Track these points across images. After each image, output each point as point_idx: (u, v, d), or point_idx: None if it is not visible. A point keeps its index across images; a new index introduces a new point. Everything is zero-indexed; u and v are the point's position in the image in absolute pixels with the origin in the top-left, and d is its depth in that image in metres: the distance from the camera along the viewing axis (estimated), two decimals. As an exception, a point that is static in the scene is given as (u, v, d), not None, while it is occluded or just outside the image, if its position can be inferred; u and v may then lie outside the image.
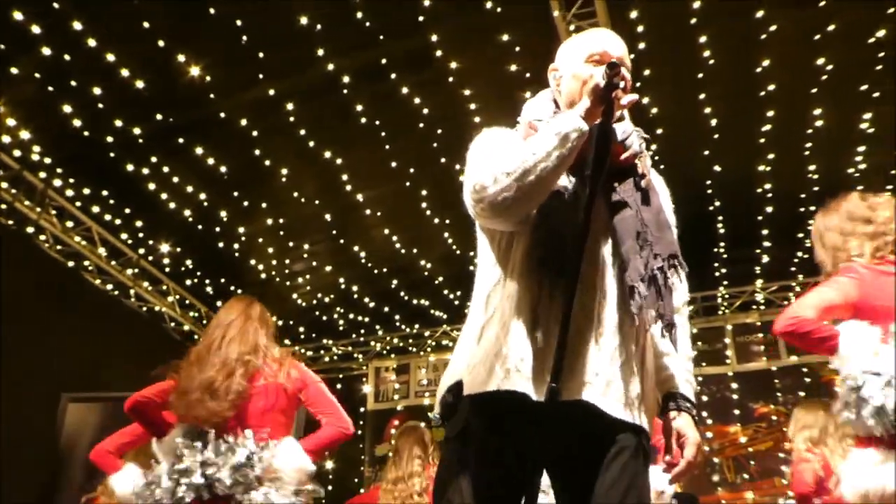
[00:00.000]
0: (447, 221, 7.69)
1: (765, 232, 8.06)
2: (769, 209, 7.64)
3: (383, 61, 5.92)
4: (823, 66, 5.86)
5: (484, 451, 1.71)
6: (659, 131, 6.66)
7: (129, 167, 6.75)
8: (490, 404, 1.70)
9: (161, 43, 5.61)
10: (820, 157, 6.90)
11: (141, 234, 7.81)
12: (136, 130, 6.36)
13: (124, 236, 7.84)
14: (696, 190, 7.36)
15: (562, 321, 1.55)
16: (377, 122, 6.46)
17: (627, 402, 1.68)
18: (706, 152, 6.87)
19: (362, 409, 10.24)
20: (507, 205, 1.72)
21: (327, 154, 6.78)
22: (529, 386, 1.66)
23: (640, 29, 5.68)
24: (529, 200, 1.73)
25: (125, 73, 5.80)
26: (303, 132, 6.52)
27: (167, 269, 8.42)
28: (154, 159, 6.71)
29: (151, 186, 7.01)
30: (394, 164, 6.87)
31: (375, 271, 8.67)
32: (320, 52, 5.80)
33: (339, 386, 10.59)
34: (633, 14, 5.58)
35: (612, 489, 1.62)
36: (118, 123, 6.27)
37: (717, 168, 7.09)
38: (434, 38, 5.76)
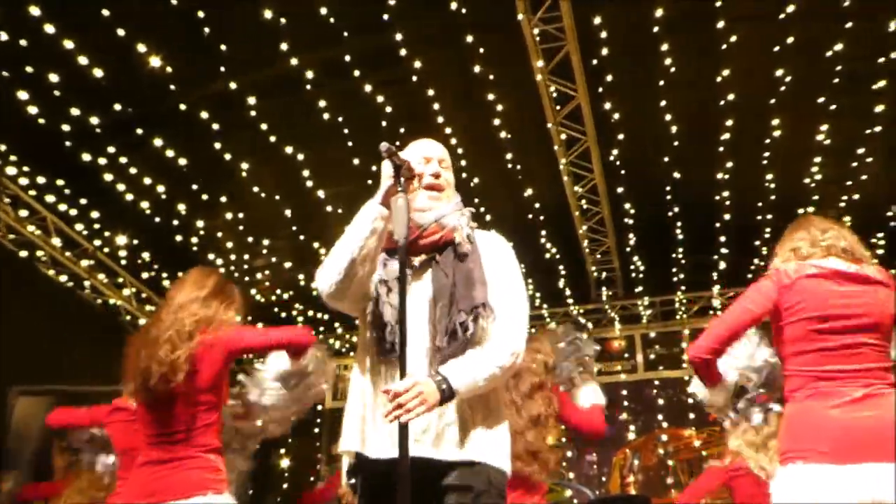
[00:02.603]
0: (409, 220, 7.66)
1: (722, 239, 8.17)
2: (727, 216, 7.74)
3: (347, 58, 5.89)
4: (782, 78, 5.95)
5: None
6: (620, 137, 6.72)
7: (86, 157, 6.63)
8: (357, 470, 2.06)
9: (121, 31, 5.52)
10: (777, 168, 7.01)
11: (97, 226, 7.68)
12: (94, 120, 6.25)
13: (80, 227, 7.70)
14: (656, 196, 7.44)
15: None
16: (340, 120, 6.42)
17: (463, 443, 1.93)
18: (666, 159, 6.92)
19: (319, 408, 10.18)
20: (333, 288, 2.02)
21: (289, 150, 6.73)
22: (375, 449, 1.96)
23: (603, 35, 5.73)
24: (348, 280, 2.00)
25: (83, 60, 5.69)
26: (264, 127, 6.46)
27: (123, 262, 8.28)
28: (112, 150, 6.61)
29: (108, 177, 6.90)
30: (356, 162, 6.82)
31: (336, 269, 8.60)
32: (284, 46, 5.75)
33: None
34: (598, 20, 5.62)
35: None
36: (75, 112, 6.15)
37: (676, 175, 7.15)
38: (399, 37, 5.74)
